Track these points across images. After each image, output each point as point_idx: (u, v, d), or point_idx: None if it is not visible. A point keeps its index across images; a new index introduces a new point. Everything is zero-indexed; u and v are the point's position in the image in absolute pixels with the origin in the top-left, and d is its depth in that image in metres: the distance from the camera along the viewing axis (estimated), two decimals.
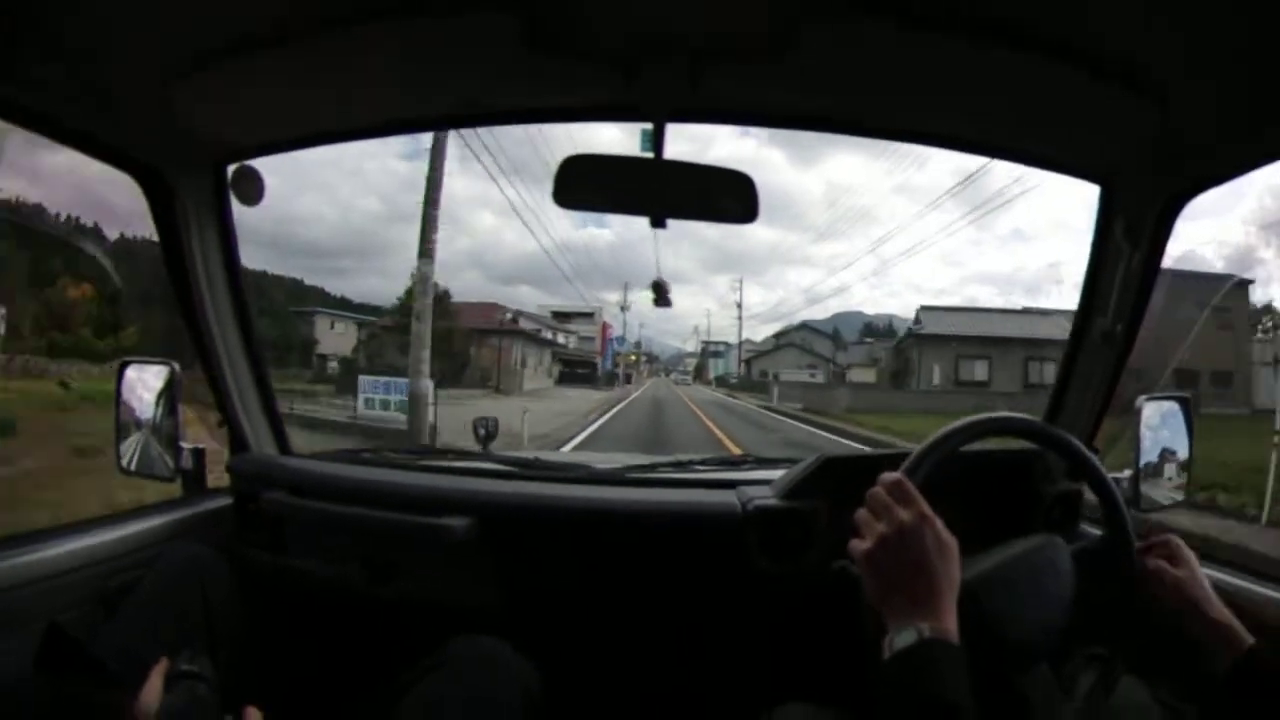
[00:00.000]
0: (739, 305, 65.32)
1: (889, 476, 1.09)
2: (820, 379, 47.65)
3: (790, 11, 1.16)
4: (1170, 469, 1.70)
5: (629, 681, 1.71)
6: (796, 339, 64.44)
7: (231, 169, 1.73)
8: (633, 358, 69.38)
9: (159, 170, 1.63)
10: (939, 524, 1.03)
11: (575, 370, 48.12)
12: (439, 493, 1.70)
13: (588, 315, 60.08)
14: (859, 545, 1.05)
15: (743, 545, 1.57)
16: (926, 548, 1.01)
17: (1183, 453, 1.72)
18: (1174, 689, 1.24)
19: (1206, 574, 1.39)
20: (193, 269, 1.74)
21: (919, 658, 0.93)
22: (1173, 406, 1.72)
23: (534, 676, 1.40)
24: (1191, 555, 1.27)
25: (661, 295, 1.93)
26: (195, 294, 1.75)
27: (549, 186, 1.35)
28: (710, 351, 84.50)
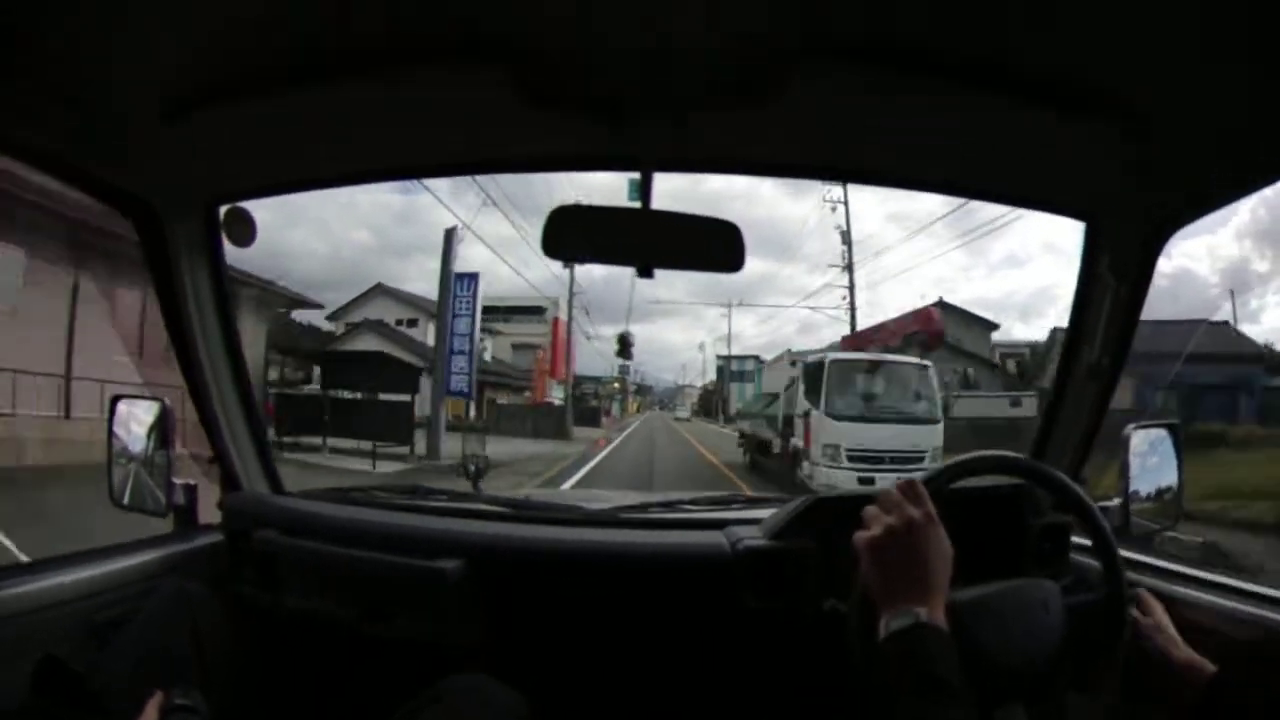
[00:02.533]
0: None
1: (904, 480, 1.14)
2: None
3: (772, 64, 1.18)
4: (1160, 495, 1.71)
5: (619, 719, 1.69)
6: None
7: (224, 210, 1.74)
8: (615, 386, 62.22)
9: (152, 208, 1.64)
10: (943, 530, 1.09)
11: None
12: (430, 534, 1.69)
13: (535, 311, 43.98)
14: (864, 535, 1.10)
15: (732, 585, 1.57)
16: (930, 544, 1.07)
17: (1172, 479, 1.72)
18: None
19: (1180, 592, 1.43)
20: (184, 307, 1.74)
21: (914, 638, 0.99)
22: (1161, 433, 1.73)
23: (525, 713, 1.39)
24: (1156, 604, 1.32)
25: (625, 349, 1.95)
26: (187, 332, 1.76)
27: (538, 222, 1.37)
28: (733, 373, 65.11)
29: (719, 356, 68.47)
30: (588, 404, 47.86)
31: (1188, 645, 1.24)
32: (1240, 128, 1.18)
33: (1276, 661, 1.26)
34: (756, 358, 62.27)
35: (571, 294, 33.96)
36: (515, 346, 45.67)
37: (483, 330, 24.62)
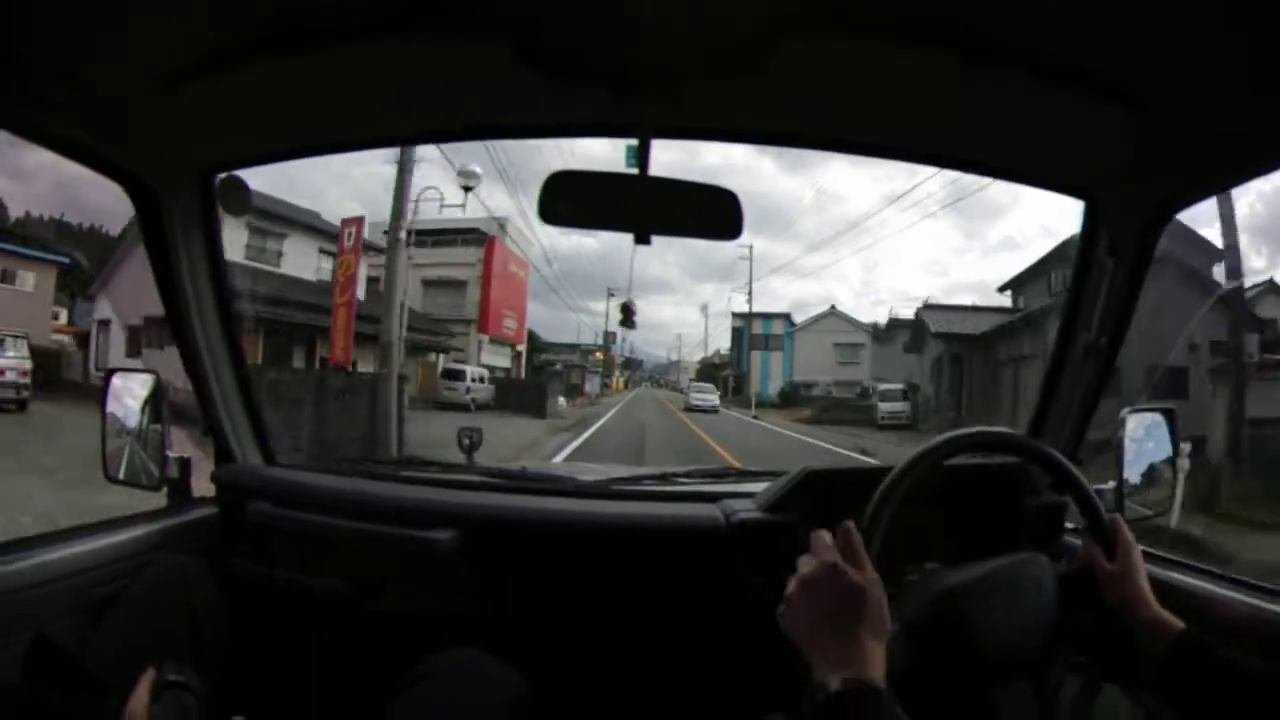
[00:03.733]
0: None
1: (843, 528, 1.09)
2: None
3: (772, 30, 1.17)
4: (1154, 480, 1.72)
5: (614, 693, 1.71)
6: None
7: (218, 179, 1.73)
8: (598, 356, 53.07)
9: (146, 179, 1.63)
10: (852, 572, 1.01)
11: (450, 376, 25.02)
12: (424, 505, 1.70)
13: (469, 234, 30.06)
14: (796, 578, 1.06)
15: (726, 558, 1.58)
16: (832, 598, 1.00)
17: (1168, 464, 1.74)
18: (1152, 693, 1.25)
19: (1172, 578, 1.42)
20: (179, 278, 1.73)
21: (830, 713, 0.91)
22: (1156, 418, 1.74)
23: (519, 687, 1.40)
24: (1131, 549, 1.26)
25: (628, 317, 1.95)
26: (182, 303, 1.75)
27: (533, 194, 1.35)
28: (755, 338, 48.83)
29: (735, 315, 51.30)
30: (549, 377, 37.01)
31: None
32: (1243, 112, 1.18)
33: (1247, 636, 1.27)
34: (787, 317, 50.47)
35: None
36: (428, 285, 30.52)
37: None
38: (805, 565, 1.05)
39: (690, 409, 33.06)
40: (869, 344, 45.30)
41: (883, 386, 32.18)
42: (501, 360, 32.90)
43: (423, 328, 25.75)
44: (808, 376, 45.96)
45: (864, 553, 1.05)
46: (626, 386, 75.55)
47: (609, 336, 51.23)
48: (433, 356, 27.73)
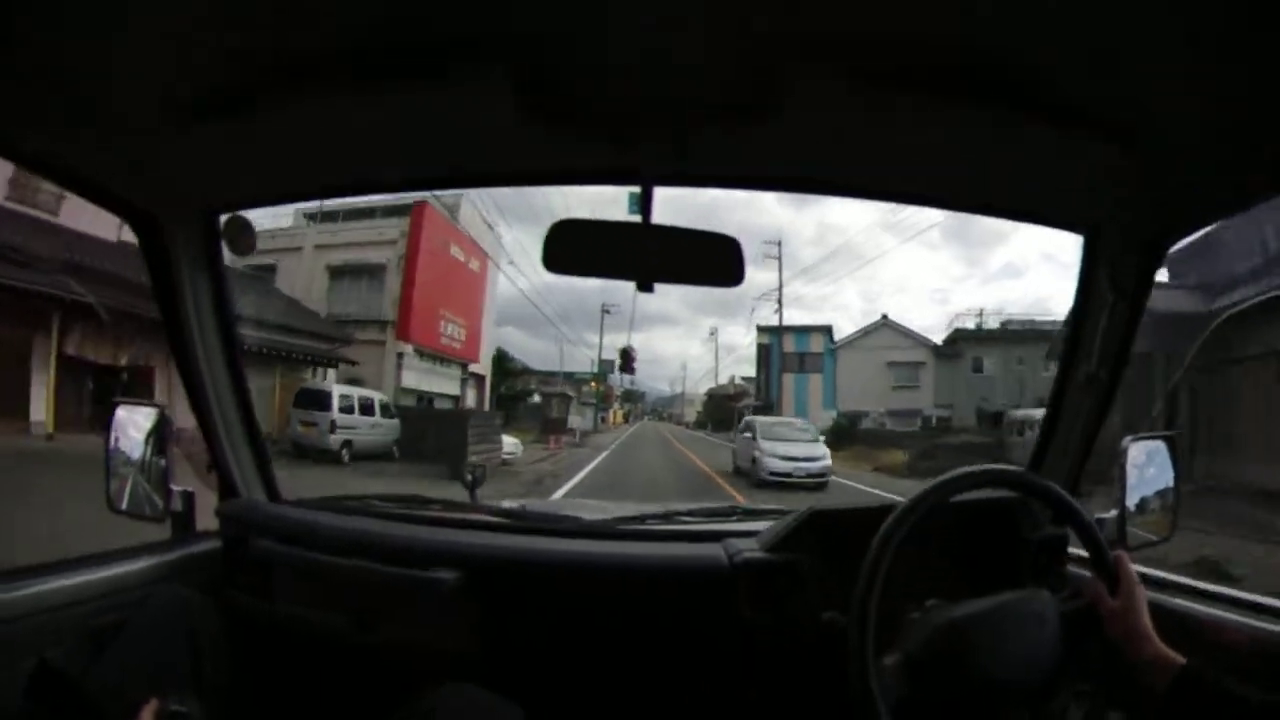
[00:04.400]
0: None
1: None
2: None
3: (771, 79, 1.18)
4: (1156, 507, 1.72)
5: None
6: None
7: (224, 219, 1.76)
8: (593, 386, 47.44)
9: (153, 216, 1.65)
10: None
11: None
12: (427, 545, 1.69)
13: (363, 216, 22.39)
14: None
15: (730, 598, 1.57)
16: None
17: (1169, 491, 1.73)
18: None
19: (1175, 603, 1.41)
20: (185, 315, 1.75)
21: None
22: (1158, 445, 1.74)
23: None
24: (1134, 585, 1.27)
25: (627, 363, 1.95)
26: (187, 339, 1.77)
27: (536, 230, 1.34)
28: (788, 357, 39.04)
29: (761, 331, 40.38)
30: (525, 410, 34.93)
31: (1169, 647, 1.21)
32: (1237, 141, 1.19)
33: (1252, 660, 1.26)
34: (827, 330, 40.46)
35: None
36: (336, 273, 22.42)
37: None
38: None
39: (759, 480, 16.13)
40: (930, 362, 36.67)
41: (1019, 413, 23.54)
42: (446, 385, 24.89)
43: (298, 327, 17.90)
44: (855, 404, 36.00)
45: None
46: (627, 420, 71.38)
47: (605, 364, 44.31)
48: (318, 374, 19.19)
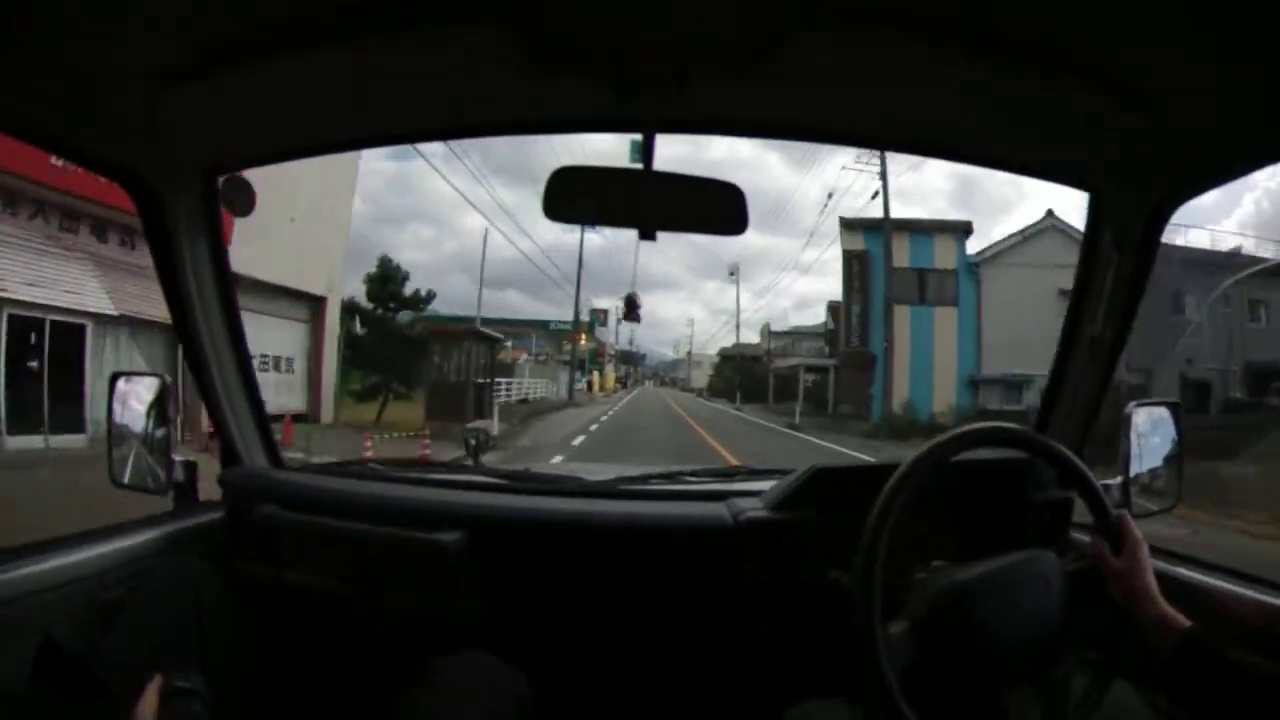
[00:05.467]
0: None
1: None
2: None
3: (778, 22, 1.16)
4: (1161, 474, 1.71)
5: (621, 693, 1.71)
6: None
7: (222, 180, 1.73)
8: (581, 340, 36.86)
9: (149, 180, 1.63)
10: None
11: None
12: (430, 506, 1.70)
13: None
14: None
15: (734, 557, 1.58)
16: None
17: (1174, 459, 1.73)
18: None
19: (1179, 573, 1.41)
20: (184, 280, 1.74)
21: None
22: (1163, 412, 1.73)
23: (525, 688, 1.40)
24: (1139, 545, 1.26)
25: (632, 310, 1.93)
26: (187, 305, 1.75)
27: (536, 188, 1.35)
28: (909, 281, 24.92)
29: (849, 226, 26.75)
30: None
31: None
32: (1247, 102, 1.18)
33: (1256, 632, 1.27)
34: (963, 230, 26.34)
35: None
36: None
37: None
38: None
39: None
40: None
41: None
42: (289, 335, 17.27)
43: None
44: (1006, 363, 22.46)
45: None
46: (626, 386, 60.95)
47: (596, 315, 36.41)
48: None
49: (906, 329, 24.05)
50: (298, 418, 15.82)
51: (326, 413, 19.23)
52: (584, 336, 38.96)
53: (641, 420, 23.57)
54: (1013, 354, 21.79)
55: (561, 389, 35.16)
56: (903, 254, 24.31)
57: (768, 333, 50.51)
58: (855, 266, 27.01)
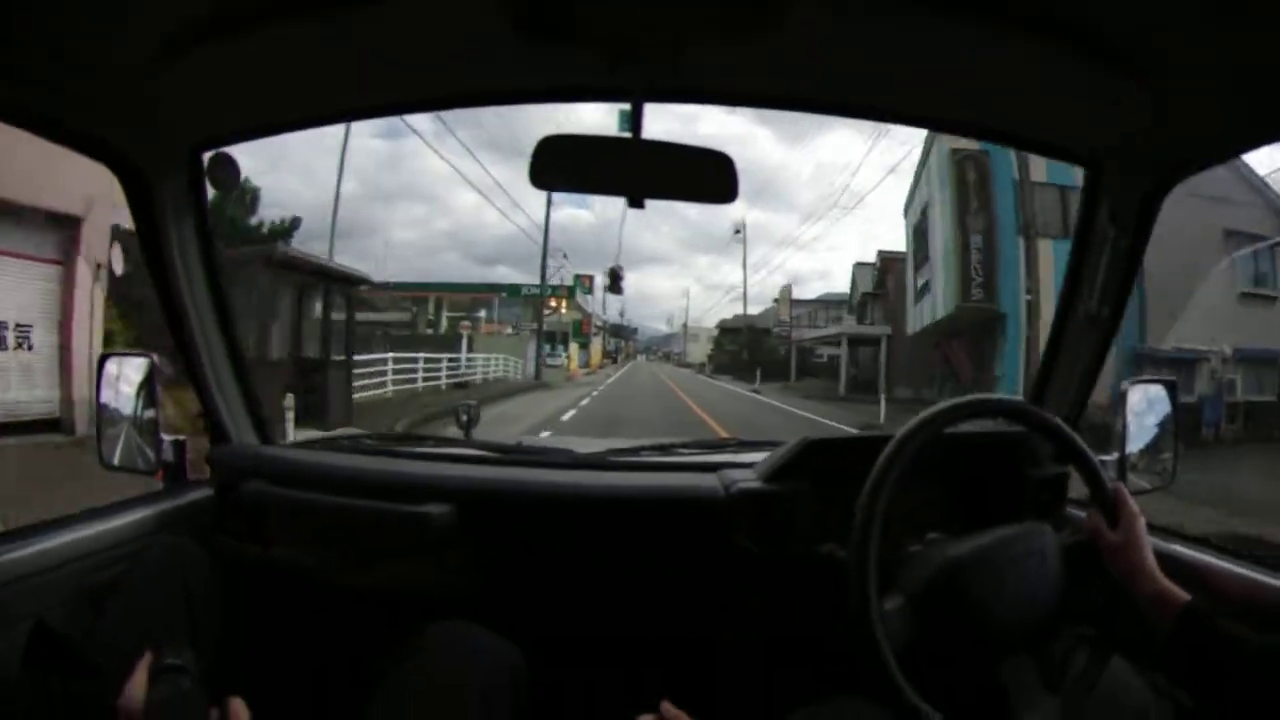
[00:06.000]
0: None
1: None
2: None
3: None
4: (1155, 452, 1.72)
5: (613, 663, 1.72)
6: None
7: (208, 156, 1.71)
8: (560, 308, 33.46)
9: (133, 159, 1.61)
10: None
11: None
12: (419, 479, 1.70)
13: None
14: None
15: (725, 528, 1.58)
16: None
17: (1168, 437, 1.73)
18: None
19: (1176, 550, 1.41)
20: (170, 258, 1.72)
21: None
22: (1158, 390, 1.74)
23: (514, 657, 1.40)
24: (1135, 519, 1.26)
25: (615, 283, 1.91)
26: (173, 283, 1.74)
27: (525, 161, 1.33)
28: (1061, 197, 15.30)
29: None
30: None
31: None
32: (1249, 78, 1.16)
33: (1252, 608, 1.27)
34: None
35: None
36: None
37: None
38: None
39: None
40: None
41: None
42: None
43: None
44: (1177, 335, 15.35)
45: None
46: (615, 361, 57.15)
47: (580, 281, 31.70)
48: None
49: (1051, 270, 14.31)
50: (38, 426, 10.06)
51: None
52: (562, 304, 33.61)
53: (631, 412, 17.95)
54: (1169, 318, 14.84)
55: (529, 366, 28.88)
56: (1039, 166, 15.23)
57: (787, 300, 43.99)
58: (968, 173, 19.22)
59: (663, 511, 1.65)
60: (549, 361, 31.14)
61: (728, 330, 51.64)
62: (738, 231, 47.40)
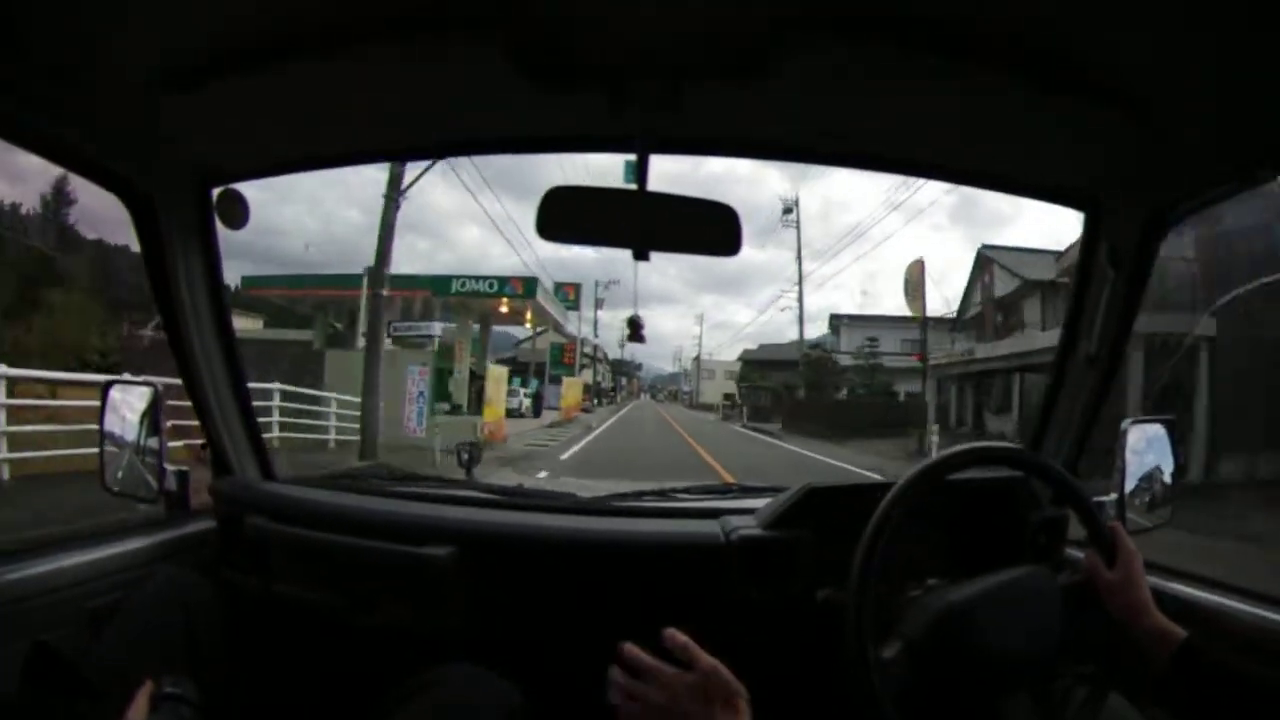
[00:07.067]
0: None
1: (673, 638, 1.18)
2: None
3: (770, 37, 1.17)
4: (1155, 491, 1.71)
5: (612, 707, 1.70)
6: None
7: (216, 192, 1.73)
8: (509, 309, 22.60)
9: (144, 190, 1.63)
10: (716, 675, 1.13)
11: None
12: (421, 521, 1.69)
13: None
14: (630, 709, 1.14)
15: (726, 575, 1.57)
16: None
17: (1168, 475, 1.72)
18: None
19: (1177, 589, 1.41)
20: (176, 290, 1.73)
21: None
22: (1157, 429, 1.73)
23: (516, 701, 1.39)
24: (1133, 558, 1.27)
25: (636, 332, 1.92)
26: (179, 316, 1.75)
27: (531, 202, 1.35)
28: None
29: None
30: None
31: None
32: (1245, 118, 1.18)
33: (1251, 645, 1.26)
34: None
35: None
36: None
37: None
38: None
39: None
40: None
41: None
42: None
43: None
44: None
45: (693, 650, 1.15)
46: (615, 400, 50.16)
47: (559, 293, 24.01)
48: None
49: None
50: None
51: None
52: (526, 314, 23.65)
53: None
54: None
55: (410, 409, 17.32)
56: None
57: (916, 283, 31.94)
58: None
59: (664, 558, 1.64)
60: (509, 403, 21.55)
61: (758, 363, 44.57)
62: (788, 210, 40.51)
